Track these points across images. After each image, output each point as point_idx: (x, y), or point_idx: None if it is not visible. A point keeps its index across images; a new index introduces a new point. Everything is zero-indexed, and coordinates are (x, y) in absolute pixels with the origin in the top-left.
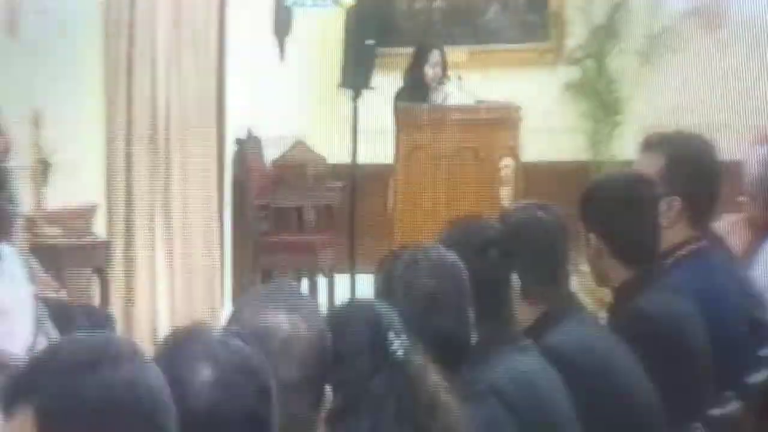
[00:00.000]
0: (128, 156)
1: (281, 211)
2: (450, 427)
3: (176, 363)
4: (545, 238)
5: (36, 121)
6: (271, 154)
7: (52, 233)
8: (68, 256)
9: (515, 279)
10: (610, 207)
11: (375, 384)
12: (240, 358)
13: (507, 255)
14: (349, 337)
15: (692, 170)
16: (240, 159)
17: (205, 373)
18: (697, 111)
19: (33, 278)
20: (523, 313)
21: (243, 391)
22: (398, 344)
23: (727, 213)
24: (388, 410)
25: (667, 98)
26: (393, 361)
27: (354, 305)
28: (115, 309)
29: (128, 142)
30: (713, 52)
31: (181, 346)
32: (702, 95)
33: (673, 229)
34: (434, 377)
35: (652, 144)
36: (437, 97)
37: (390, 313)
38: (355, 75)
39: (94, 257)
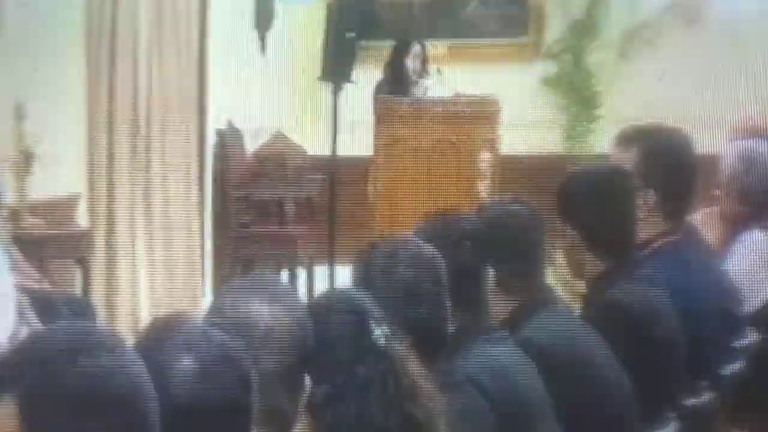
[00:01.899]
0: (110, 147)
1: (261, 203)
2: (432, 415)
3: (158, 353)
4: (520, 232)
5: (19, 113)
6: (251, 145)
7: (34, 223)
8: (50, 246)
9: (491, 271)
10: (586, 199)
11: (358, 372)
12: (221, 348)
13: (482, 248)
14: (332, 326)
15: (667, 163)
16: (221, 150)
17: (186, 363)
18: (673, 105)
19: (15, 268)
20: (499, 305)
21: (224, 382)
22: (380, 333)
23: (702, 206)
24: (372, 398)
25: (644, 92)
26: (375, 350)
27: (335, 295)
28: (97, 299)
29: (110, 134)
30: (690, 46)
31: (162, 336)
32: (679, 90)
33: (648, 222)
34: (416, 365)
35: (626, 138)
36: (417, 91)
37: (370, 303)
38: (336, 68)
39: (76, 247)
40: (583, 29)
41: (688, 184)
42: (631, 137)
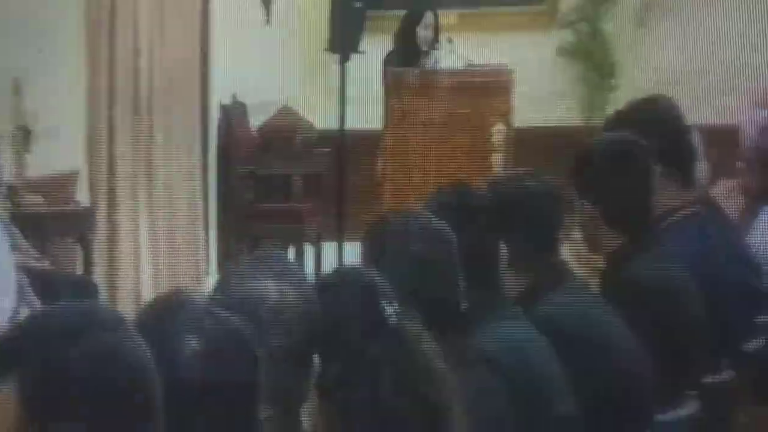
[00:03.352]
0: (111, 122)
1: (267, 179)
2: (446, 395)
3: (163, 333)
4: (533, 208)
5: (16, 88)
6: (256, 120)
7: (33, 201)
8: (50, 224)
9: (504, 247)
10: (602, 173)
11: (370, 351)
12: (227, 328)
13: (495, 222)
14: (342, 305)
15: (659, 131)
16: (225, 125)
17: (192, 343)
18: (693, 75)
19: (15, 247)
20: (513, 281)
21: (230, 362)
22: (391, 311)
23: (723, 179)
24: (384, 378)
25: (662, 62)
26: (386, 328)
27: (344, 272)
28: (98, 277)
29: (110, 108)
30: (710, 14)
31: (166, 315)
32: (699, 58)
33: (664, 195)
34: (428, 344)
35: (612, 124)
36: (428, 62)
37: (381, 280)
38: (343, 39)
39: (77, 225)
40: None
41: (686, 142)
42: (615, 123)
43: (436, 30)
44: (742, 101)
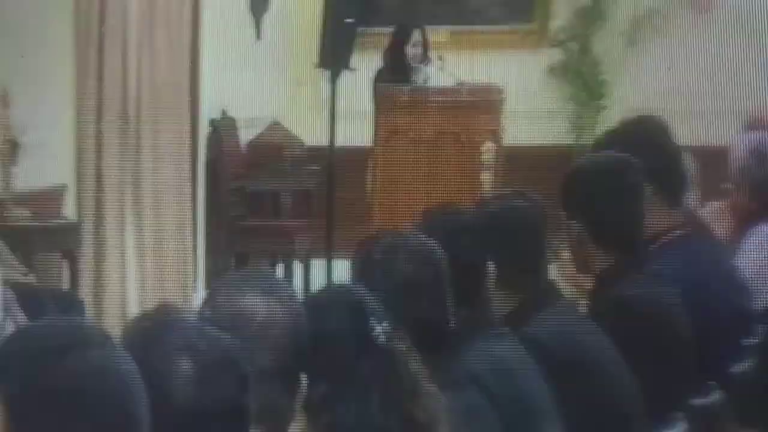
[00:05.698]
0: (99, 136)
1: (256, 195)
2: (433, 415)
3: (150, 350)
4: (522, 228)
5: (4, 101)
6: (246, 135)
7: (20, 215)
8: (37, 238)
9: (492, 267)
10: (591, 192)
11: (357, 371)
12: (218, 348)
13: (484, 242)
14: (330, 323)
15: (650, 151)
16: (214, 140)
17: (181, 362)
18: (683, 95)
19: (0, 261)
20: (502, 301)
21: (222, 382)
22: (380, 330)
23: (713, 200)
24: (372, 397)
25: (653, 82)
26: (375, 348)
27: (334, 290)
28: (85, 293)
29: (99, 122)
30: (701, 34)
31: (154, 332)
32: (689, 79)
33: (654, 215)
34: (416, 364)
35: (602, 144)
36: (418, 79)
37: (369, 299)
38: (334, 55)
39: (64, 240)
40: (591, 16)
41: (677, 164)
42: (607, 143)
43: (425, 47)
44: (731, 122)
